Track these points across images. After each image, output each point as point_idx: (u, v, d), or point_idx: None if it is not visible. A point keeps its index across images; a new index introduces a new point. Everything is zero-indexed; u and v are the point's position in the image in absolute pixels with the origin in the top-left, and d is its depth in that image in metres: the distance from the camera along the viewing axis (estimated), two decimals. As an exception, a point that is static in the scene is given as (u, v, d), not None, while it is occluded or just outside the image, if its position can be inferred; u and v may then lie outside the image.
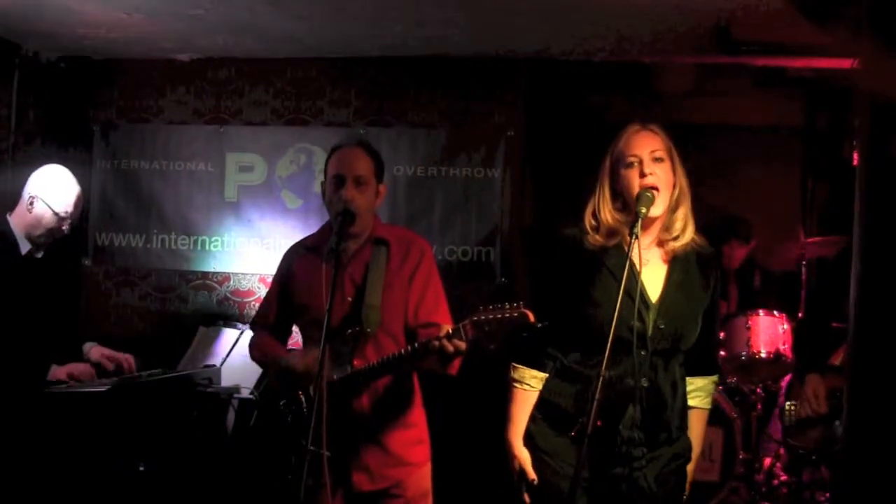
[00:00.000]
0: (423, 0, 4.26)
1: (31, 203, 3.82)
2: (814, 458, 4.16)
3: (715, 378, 2.87)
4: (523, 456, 2.76)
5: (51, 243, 3.95)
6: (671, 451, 2.72)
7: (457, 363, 2.88)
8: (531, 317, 2.64)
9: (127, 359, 3.96)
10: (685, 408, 2.77)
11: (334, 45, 5.15)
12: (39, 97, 5.43)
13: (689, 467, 2.79)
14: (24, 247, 3.84)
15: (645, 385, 2.66)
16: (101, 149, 5.64)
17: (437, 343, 2.76)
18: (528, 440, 2.79)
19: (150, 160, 5.59)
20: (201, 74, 5.58)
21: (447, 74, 5.32)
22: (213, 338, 4.89)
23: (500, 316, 2.67)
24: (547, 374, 2.79)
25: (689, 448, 2.78)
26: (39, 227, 3.84)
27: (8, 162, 5.21)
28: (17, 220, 3.85)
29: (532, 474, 2.73)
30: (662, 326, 2.68)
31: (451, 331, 2.76)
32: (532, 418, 2.79)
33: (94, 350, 3.97)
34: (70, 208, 3.90)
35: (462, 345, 2.75)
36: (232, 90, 5.55)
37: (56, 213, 3.85)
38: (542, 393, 2.79)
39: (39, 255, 3.90)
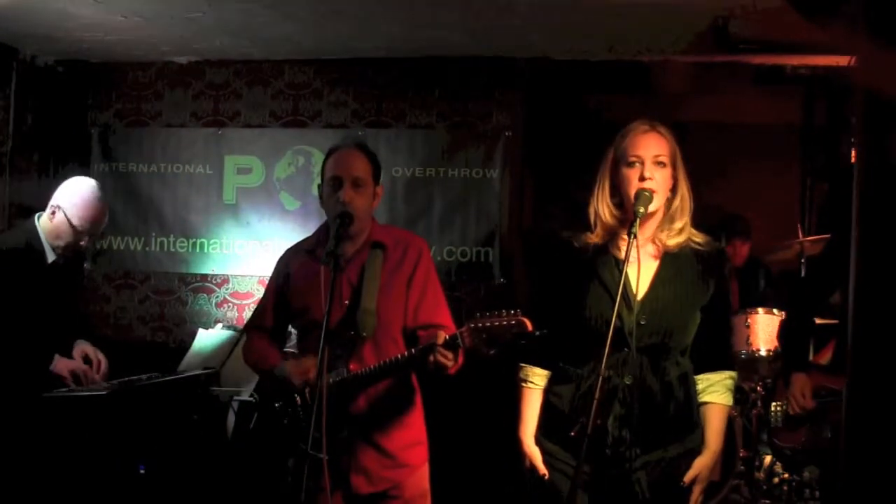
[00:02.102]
0: (420, 1, 4.26)
1: (54, 212, 3.79)
2: (797, 459, 4.13)
3: (731, 374, 2.78)
4: (532, 452, 2.76)
5: (69, 255, 3.88)
6: (668, 454, 2.68)
7: (454, 366, 2.88)
8: (529, 325, 2.63)
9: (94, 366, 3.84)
10: (689, 408, 2.72)
11: (332, 46, 5.14)
12: (37, 101, 5.43)
13: (699, 461, 2.69)
14: (50, 256, 3.81)
15: (628, 382, 2.65)
16: (98, 152, 5.64)
17: (432, 359, 2.78)
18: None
19: (149, 163, 5.59)
20: (199, 77, 5.58)
21: (445, 75, 5.32)
22: (213, 340, 4.88)
23: (497, 323, 2.67)
24: (550, 372, 2.79)
25: (691, 452, 2.71)
26: (59, 237, 3.79)
27: (6, 165, 5.21)
28: (43, 226, 3.83)
29: (542, 469, 2.73)
30: (643, 322, 2.65)
31: (447, 338, 2.76)
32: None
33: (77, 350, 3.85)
34: (88, 224, 3.79)
35: (459, 359, 2.79)
36: (230, 93, 5.56)
37: (73, 227, 3.76)
38: (543, 395, 2.80)
39: (62, 261, 3.88)
